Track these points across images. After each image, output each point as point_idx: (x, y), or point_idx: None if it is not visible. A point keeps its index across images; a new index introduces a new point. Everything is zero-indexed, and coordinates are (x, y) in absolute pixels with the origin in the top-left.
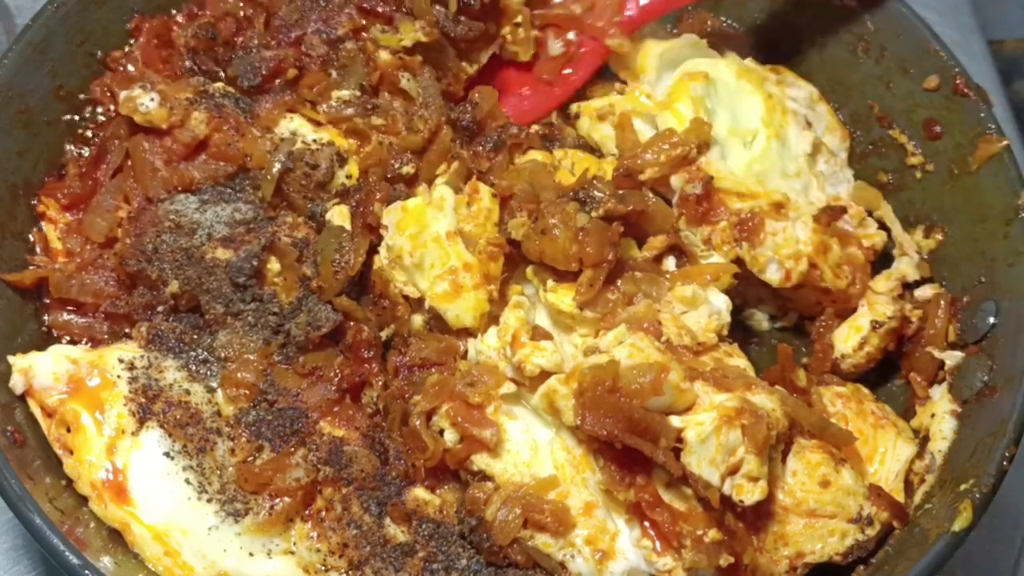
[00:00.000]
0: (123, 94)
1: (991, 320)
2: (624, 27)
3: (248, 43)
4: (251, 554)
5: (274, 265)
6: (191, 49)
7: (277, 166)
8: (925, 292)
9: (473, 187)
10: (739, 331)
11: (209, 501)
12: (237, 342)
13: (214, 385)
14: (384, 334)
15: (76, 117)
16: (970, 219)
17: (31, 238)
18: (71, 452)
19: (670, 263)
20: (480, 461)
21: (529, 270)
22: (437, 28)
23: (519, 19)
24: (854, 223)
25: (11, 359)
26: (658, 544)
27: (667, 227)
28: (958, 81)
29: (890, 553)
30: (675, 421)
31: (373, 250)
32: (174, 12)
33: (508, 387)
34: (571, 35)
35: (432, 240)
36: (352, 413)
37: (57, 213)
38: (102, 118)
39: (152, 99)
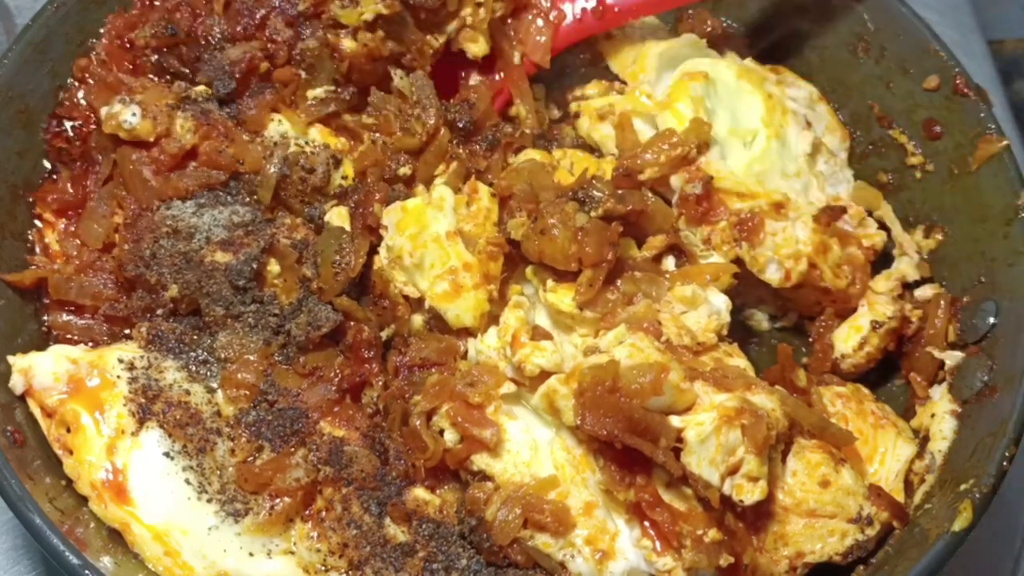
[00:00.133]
0: (104, 111)
1: (991, 320)
2: (608, 14)
3: (209, 32)
4: (251, 554)
5: (274, 267)
6: (154, 49)
7: (273, 171)
8: (925, 292)
9: (472, 187)
10: (739, 331)
11: (209, 501)
12: (237, 343)
13: (214, 385)
14: (384, 334)
15: None
16: (970, 219)
17: (31, 238)
18: (71, 452)
19: (670, 263)
20: (480, 461)
21: (529, 270)
22: None
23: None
24: (854, 223)
25: (11, 359)
26: (658, 544)
27: (667, 227)
28: (958, 81)
29: (890, 553)
30: (675, 421)
31: (373, 251)
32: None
33: (508, 387)
34: None
35: (432, 240)
36: (352, 413)
37: (53, 217)
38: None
39: (134, 114)
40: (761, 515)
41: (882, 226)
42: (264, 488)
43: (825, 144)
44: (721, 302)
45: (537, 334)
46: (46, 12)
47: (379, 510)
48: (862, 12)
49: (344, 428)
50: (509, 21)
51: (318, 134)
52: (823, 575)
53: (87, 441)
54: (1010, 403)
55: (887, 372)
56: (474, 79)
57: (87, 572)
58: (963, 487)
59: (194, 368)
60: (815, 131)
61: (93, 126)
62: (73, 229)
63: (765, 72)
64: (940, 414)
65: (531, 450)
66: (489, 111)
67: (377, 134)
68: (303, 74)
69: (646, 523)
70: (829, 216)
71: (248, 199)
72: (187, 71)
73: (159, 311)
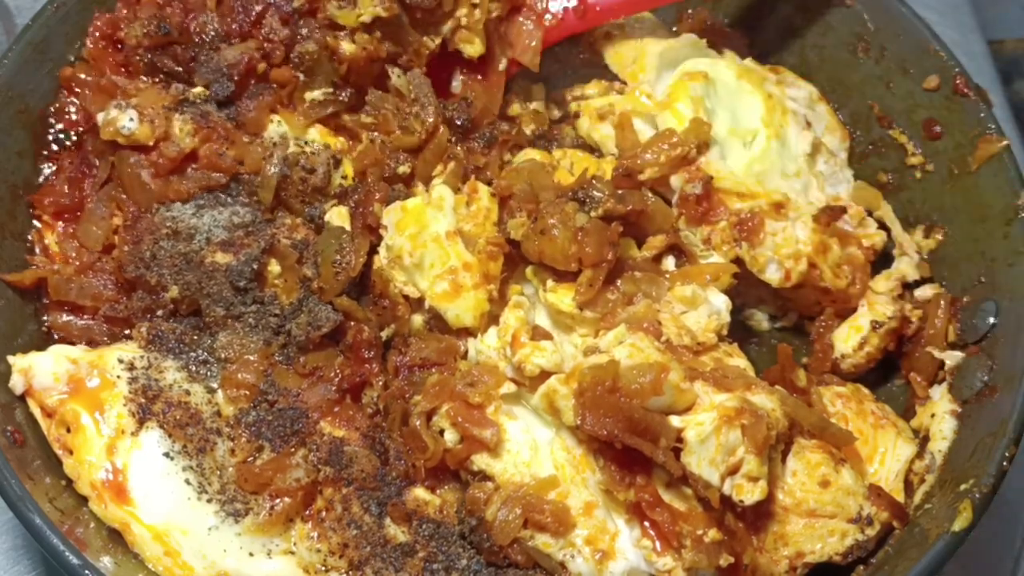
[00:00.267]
0: (100, 117)
1: (991, 320)
2: (589, 13)
3: (203, 31)
4: (251, 554)
5: (274, 267)
6: (146, 49)
7: (274, 171)
8: (925, 292)
9: (472, 187)
10: (739, 331)
11: (209, 501)
12: (238, 343)
13: (214, 385)
14: (384, 334)
15: None
16: (970, 219)
17: (31, 238)
18: (71, 452)
19: (670, 263)
20: (480, 461)
21: (529, 270)
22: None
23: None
24: (854, 223)
25: (11, 359)
26: (658, 544)
27: (667, 227)
28: (958, 81)
29: (890, 553)
30: (675, 421)
31: (373, 250)
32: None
33: (508, 387)
34: None
35: (432, 240)
36: (352, 413)
37: (52, 219)
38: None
39: (131, 119)
40: (761, 515)
41: (882, 226)
42: (264, 488)
43: (825, 144)
44: (721, 302)
45: (537, 334)
46: (46, 12)
47: (379, 510)
48: (862, 12)
49: (344, 428)
50: (501, 22)
51: (317, 134)
52: (823, 575)
53: (87, 441)
54: (1010, 403)
55: (887, 372)
56: (456, 79)
57: (87, 572)
58: (963, 487)
59: (194, 368)
60: (815, 131)
61: (87, 130)
62: (72, 231)
63: (765, 72)
64: (940, 414)
65: (531, 450)
66: (487, 109)
67: (376, 133)
68: (301, 76)
69: (646, 523)
70: (829, 216)
71: (248, 200)
72: (182, 71)
73: (159, 312)
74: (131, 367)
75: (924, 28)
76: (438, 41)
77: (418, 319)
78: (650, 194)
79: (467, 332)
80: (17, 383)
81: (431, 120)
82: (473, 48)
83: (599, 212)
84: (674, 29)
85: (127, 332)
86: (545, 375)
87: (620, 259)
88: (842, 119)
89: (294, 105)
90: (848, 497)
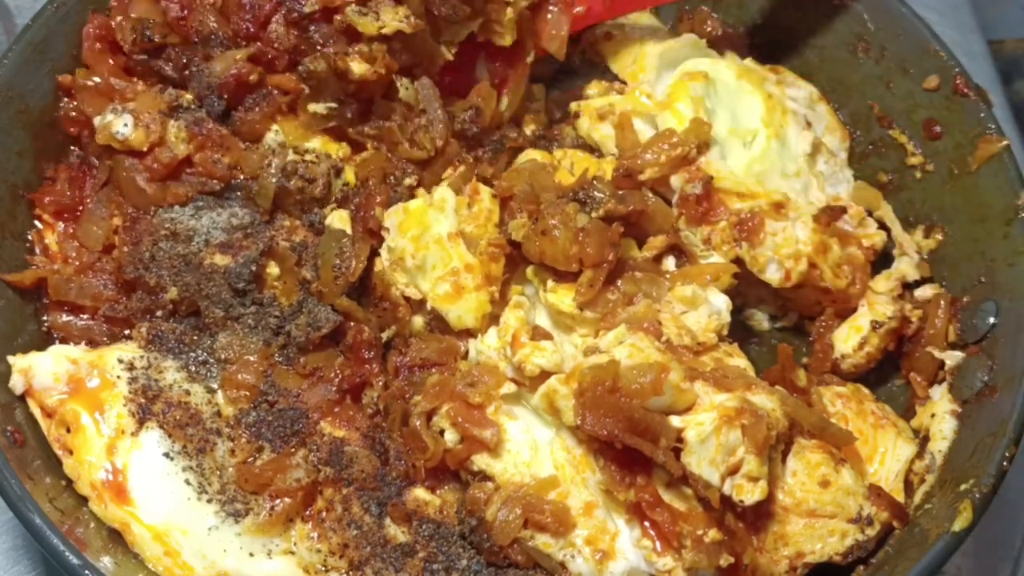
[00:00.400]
0: (97, 121)
1: (991, 320)
2: (617, 2)
3: (199, 32)
4: (251, 554)
5: (273, 269)
6: (143, 51)
7: (271, 181)
8: (925, 292)
9: (473, 188)
10: (739, 331)
11: (209, 501)
12: (237, 343)
13: (214, 386)
14: (385, 335)
15: None
16: (970, 219)
17: (31, 238)
18: (71, 452)
19: (670, 263)
20: (480, 461)
21: (529, 270)
22: (423, 6)
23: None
24: (854, 223)
25: (11, 359)
26: (658, 544)
27: (667, 227)
28: (958, 81)
29: (890, 553)
30: (675, 421)
31: (374, 253)
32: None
33: (508, 387)
34: None
35: (434, 241)
36: (352, 414)
37: (51, 219)
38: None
39: (126, 124)
40: (761, 515)
41: (882, 226)
42: (264, 488)
43: (825, 144)
44: (721, 302)
45: (537, 334)
46: (46, 12)
47: (379, 510)
48: (862, 12)
49: (344, 428)
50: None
51: (319, 142)
52: (823, 575)
53: (87, 441)
54: (1010, 403)
55: (887, 372)
56: (481, 66)
57: (87, 572)
58: (963, 487)
59: (194, 368)
60: (815, 131)
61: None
62: (72, 231)
63: (765, 72)
64: (940, 414)
65: (531, 450)
66: (496, 115)
67: (381, 143)
68: (306, 88)
69: (646, 523)
70: (829, 216)
71: (247, 201)
72: (177, 77)
73: (159, 312)
74: (131, 367)
75: (924, 28)
76: (453, 51)
77: (419, 320)
78: (650, 194)
79: (467, 332)
80: (17, 383)
81: (440, 141)
82: (504, 40)
83: (600, 213)
84: (675, 29)
85: (127, 332)
86: (545, 375)
87: (620, 259)
88: (842, 119)
89: (296, 112)
90: (848, 497)
